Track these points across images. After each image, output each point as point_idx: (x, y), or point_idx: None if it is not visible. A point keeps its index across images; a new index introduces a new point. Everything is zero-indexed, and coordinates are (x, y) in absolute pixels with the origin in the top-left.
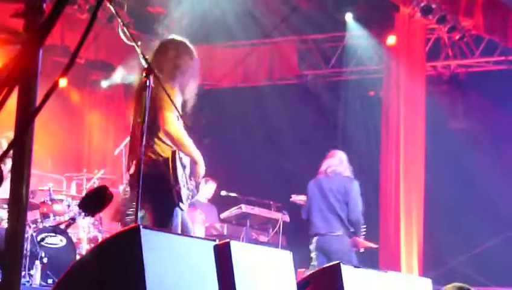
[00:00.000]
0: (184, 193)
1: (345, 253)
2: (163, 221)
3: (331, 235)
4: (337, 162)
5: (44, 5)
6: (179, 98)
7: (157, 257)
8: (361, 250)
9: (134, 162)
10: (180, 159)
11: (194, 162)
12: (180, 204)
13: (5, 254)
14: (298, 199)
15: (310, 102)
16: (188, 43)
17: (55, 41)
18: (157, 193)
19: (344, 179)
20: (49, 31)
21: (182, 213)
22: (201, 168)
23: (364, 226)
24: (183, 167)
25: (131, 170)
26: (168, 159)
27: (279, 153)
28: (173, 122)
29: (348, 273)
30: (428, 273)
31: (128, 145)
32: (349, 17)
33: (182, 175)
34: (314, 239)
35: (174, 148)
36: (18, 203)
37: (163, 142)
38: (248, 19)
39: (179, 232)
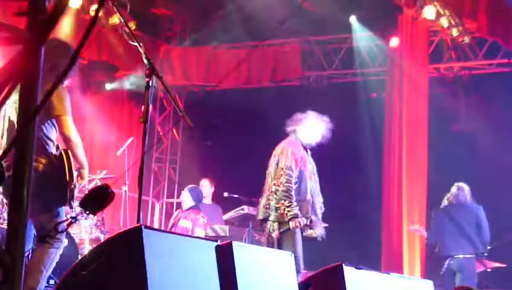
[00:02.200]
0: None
1: (472, 273)
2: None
3: (463, 257)
4: (459, 192)
5: (47, 4)
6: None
7: (159, 257)
8: (489, 270)
9: None
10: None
11: (82, 166)
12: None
13: (6, 255)
14: (415, 228)
15: (313, 104)
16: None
17: None
18: (51, 191)
19: (471, 205)
20: (51, 30)
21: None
22: (87, 172)
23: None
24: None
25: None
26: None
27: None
28: (73, 127)
29: (350, 274)
30: (430, 275)
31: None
32: (353, 18)
33: (75, 175)
34: (447, 261)
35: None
36: (19, 204)
37: (53, 141)
38: (251, 19)
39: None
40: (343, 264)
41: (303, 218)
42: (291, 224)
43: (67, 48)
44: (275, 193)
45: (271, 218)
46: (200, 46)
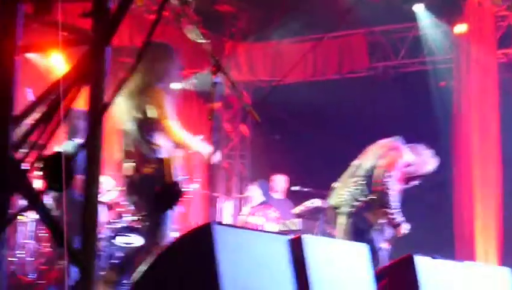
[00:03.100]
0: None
1: None
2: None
3: None
4: None
5: (111, 5)
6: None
7: (230, 253)
8: None
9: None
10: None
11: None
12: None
13: (80, 254)
14: None
15: (381, 94)
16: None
17: (124, 43)
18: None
19: None
20: (115, 31)
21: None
22: (206, 151)
23: None
24: None
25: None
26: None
27: (351, 147)
28: (175, 129)
29: (423, 264)
30: (508, 262)
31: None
32: (418, 7)
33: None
34: None
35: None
36: (90, 203)
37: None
38: (315, 13)
39: None
40: (415, 255)
41: (408, 224)
42: (396, 232)
43: (164, 50)
44: (356, 187)
45: (342, 210)
46: (265, 42)
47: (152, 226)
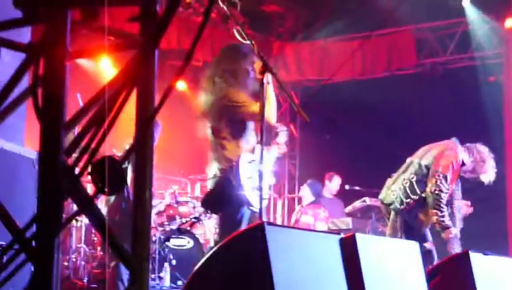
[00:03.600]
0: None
1: None
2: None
3: None
4: None
5: (158, 8)
6: None
7: (282, 253)
8: None
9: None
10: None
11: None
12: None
13: (132, 257)
14: None
15: (429, 91)
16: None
17: (172, 46)
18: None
19: None
20: (163, 34)
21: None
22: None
23: None
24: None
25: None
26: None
27: (401, 145)
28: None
29: (478, 260)
30: None
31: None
32: (466, 2)
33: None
34: None
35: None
36: (142, 206)
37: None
38: (361, 11)
39: None
40: (470, 251)
41: (456, 228)
42: (444, 234)
43: (237, 50)
44: (408, 186)
45: (392, 207)
46: (312, 41)
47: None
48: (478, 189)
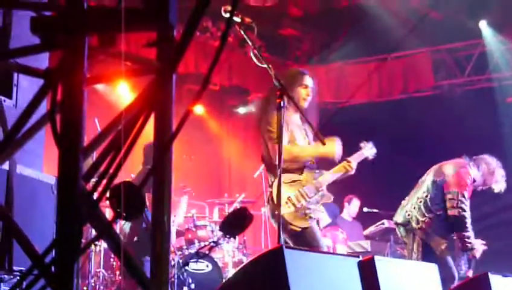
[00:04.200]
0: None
1: None
2: None
3: None
4: None
5: (175, 33)
6: None
7: (301, 276)
8: None
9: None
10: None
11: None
12: None
13: (151, 282)
14: None
15: (448, 113)
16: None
17: (190, 70)
18: None
19: None
20: (180, 59)
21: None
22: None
23: None
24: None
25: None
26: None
27: (420, 166)
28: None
29: (497, 282)
30: None
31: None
32: (483, 23)
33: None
34: None
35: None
36: (160, 229)
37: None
38: (379, 33)
39: None
40: (489, 273)
41: (483, 245)
42: (471, 253)
43: (295, 74)
44: (423, 204)
45: (409, 227)
46: (328, 64)
47: None
48: (502, 212)
